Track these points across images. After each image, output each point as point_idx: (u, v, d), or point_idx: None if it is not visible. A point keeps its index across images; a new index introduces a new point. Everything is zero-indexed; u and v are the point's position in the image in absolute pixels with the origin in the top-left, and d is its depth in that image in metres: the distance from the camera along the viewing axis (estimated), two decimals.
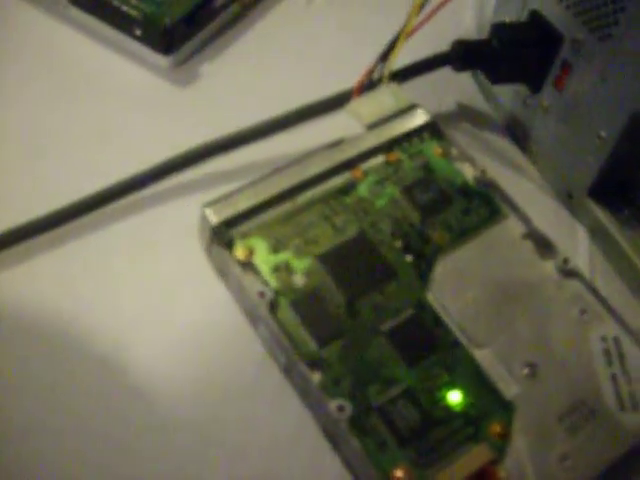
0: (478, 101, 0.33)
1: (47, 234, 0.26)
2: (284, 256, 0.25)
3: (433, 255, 0.25)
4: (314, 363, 0.23)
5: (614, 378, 0.24)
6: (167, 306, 0.26)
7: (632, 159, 0.27)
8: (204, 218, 0.25)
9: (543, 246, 0.26)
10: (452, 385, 0.23)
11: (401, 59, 0.29)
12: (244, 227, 0.25)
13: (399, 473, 0.21)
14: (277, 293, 0.24)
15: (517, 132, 0.32)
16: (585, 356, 0.24)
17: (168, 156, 0.28)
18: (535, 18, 0.29)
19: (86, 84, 0.31)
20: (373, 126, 0.28)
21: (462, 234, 0.26)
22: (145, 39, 0.31)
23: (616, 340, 0.24)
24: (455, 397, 0.23)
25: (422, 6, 0.28)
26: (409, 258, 0.25)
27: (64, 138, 0.30)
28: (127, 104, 0.31)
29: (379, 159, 0.27)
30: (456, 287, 0.25)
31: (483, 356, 0.24)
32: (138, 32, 0.31)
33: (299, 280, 0.24)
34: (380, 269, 0.25)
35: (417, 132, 0.28)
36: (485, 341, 0.24)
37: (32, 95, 0.31)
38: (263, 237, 0.25)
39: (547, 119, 0.29)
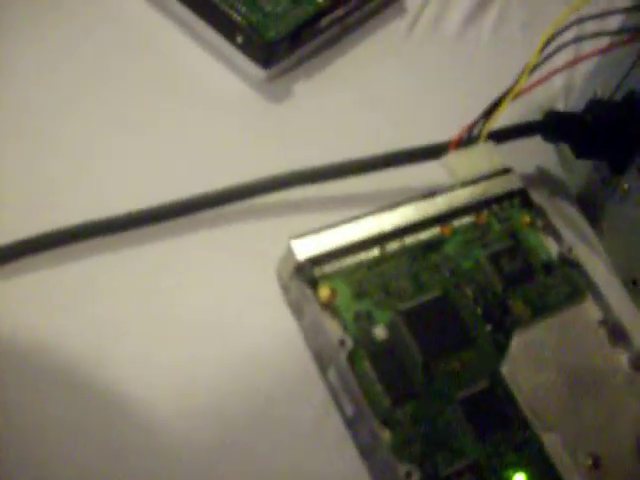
0: (555, 166, 0.33)
1: (114, 236, 0.26)
2: (366, 305, 0.24)
3: (511, 327, 0.25)
4: (386, 421, 0.23)
5: None
6: (231, 333, 0.25)
7: None
8: (290, 251, 0.25)
9: (618, 335, 0.26)
10: (518, 466, 0.23)
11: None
12: (329, 267, 0.25)
13: None
14: (357, 342, 0.24)
15: (590, 207, 0.31)
16: None
17: (251, 178, 0.27)
18: (633, 99, 0.28)
19: (176, 83, 0.31)
20: (465, 184, 0.27)
21: (542, 310, 0.26)
22: (246, 48, 0.30)
23: None
24: (520, 479, 0.23)
25: (534, 68, 0.28)
26: (488, 327, 0.25)
27: (140, 137, 0.29)
28: (215, 111, 0.30)
29: (468, 219, 0.27)
30: (530, 364, 0.25)
31: (550, 440, 0.24)
32: (240, 40, 0.30)
33: (379, 332, 0.24)
34: (459, 334, 0.25)
35: (508, 197, 0.28)
36: (553, 425, 0.24)
37: (120, 84, 0.30)
38: (347, 281, 0.25)
39: (624, 202, 0.29)
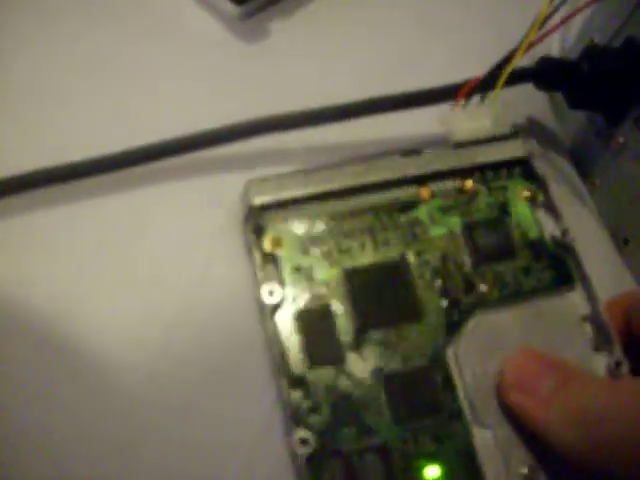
0: (548, 118, 0.29)
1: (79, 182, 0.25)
2: (311, 259, 0.23)
3: (472, 308, 0.22)
4: (298, 382, 0.21)
5: None
6: (190, 284, 0.25)
7: None
8: (245, 194, 0.24)
9: (602, 337, 0.22)
10: (435, 459, 0.21)
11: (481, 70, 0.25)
12: (282, 215, 0.23)
13: None
14: (286, 296, 0.22)
15: (582, 161, 0.28)
16: None
17: (217, 125, 0.25)
18: (632, 46, 0.25)
19: (145, 19, 0.29)
20: (460, 144, 0.24)
21: (515, 294, 0.23)
22: None
23: None
24: (433, 473, 0.20)
25: (545, 20, 0.24)
26: (444, 303, 0.22)
27: (107, 79, 0.28)
28: (186, 49, 0.29)
29: (453, 183, 0.24)
30: (482, 352, 0.22)
31: (482, 439, 0.21)
32: None
33: (316, 290, 0.22)
34: (407, 305, 0.22)
35: (508, 165, 0.24)
36: (491, 423, 0.21)
37: (90, 24, 0.29)
38: (297, 232, 0.23)
39: (618, 156, 0.26)
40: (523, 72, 0.26)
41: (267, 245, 0.23)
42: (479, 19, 0.30)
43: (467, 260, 0.23)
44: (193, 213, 0.26)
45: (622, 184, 0.26)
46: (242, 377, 0.23)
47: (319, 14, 0.30)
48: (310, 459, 0.20)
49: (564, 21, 0.25)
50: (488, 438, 0.21)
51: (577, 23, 0.28)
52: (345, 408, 0.21)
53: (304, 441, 0.20)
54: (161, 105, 0.27)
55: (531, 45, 0.24)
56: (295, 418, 0.21)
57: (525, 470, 0.21)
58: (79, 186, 0.25)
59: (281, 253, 0.23)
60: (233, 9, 0.29)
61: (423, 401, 0.21)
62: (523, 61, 0.25)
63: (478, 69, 0.25)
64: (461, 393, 0.21)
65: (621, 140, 0.26)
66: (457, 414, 0.21)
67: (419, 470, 0.20)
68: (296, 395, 0.21)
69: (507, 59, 0.24)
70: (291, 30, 0.30)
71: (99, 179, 0.25)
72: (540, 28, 0.24)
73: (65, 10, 0.29)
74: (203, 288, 0.25)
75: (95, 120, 0.27)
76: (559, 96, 0.27)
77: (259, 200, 0.23)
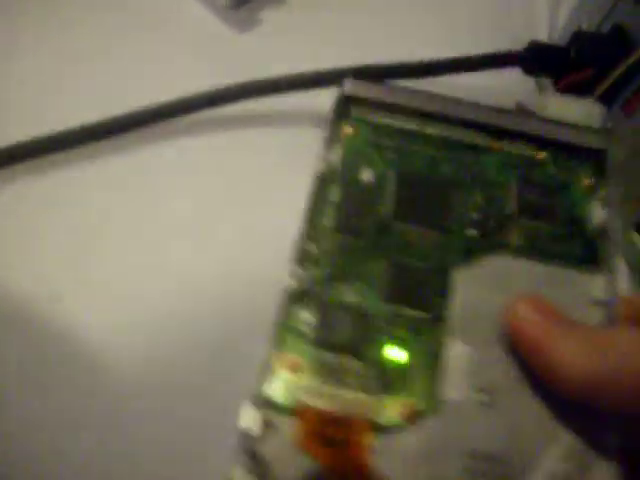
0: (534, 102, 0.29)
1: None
2: (374, 154, 0.25)
3: (494, 246, 0.24)
4: (314, 235, 0.23)
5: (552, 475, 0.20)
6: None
7: None
8: (346, 84, 0.26)
9: (606, 324, 0.23)
10: (405, 345, 0.22)
11: (468, 50, 0.27)
12: (367, 113, 0.26)
13: (288, 358, 0.21)
14: (338, 168, 0.24)
15: None
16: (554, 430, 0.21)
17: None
18: (619, 32, 0.26)
19: (136, 8, 0.31)
20: (550, 120, 0.26)
21: (538, 252, 0.24)
22: None
23: None
24: (395, 354, 0.21)
25: None
26: (472, 232, 0.24)
27: (98, 64, 0.29)
28: (177, 37, 0.30)
29: (527, 149, 0.26)
30: (485, 288, 0.23)
31: (456, 350, 0.22)
32: None
33: (366, 176, 0.24)
34: (440, 218, 0.24)
35: (584, 152, 0.26)
36: (470, 342, 0.22)
37: (81, 12, 0.31)
38: (372, 133, 0.26)
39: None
40: (512, 56, 0.27)
41: (345, 131, 0.25)
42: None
43: (510, 207, 0.24)
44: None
45: (610, 169, 0.26)
46: None
47: (309, 2, 0.32)
48: (293, 293, 0.22)
49: None
50: (461, 353, 0.22)
51: (565, 10, 0.29)
52: (345, 270, 0.22)
53: (296, 277, 0.22)
54: (155, 91, 0.28)
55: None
56: (297, 257, 0.22)
57: (482, 396, 0.21)
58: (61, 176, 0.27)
59: (351, 140, 0.25)
60: None
61: (417, 295, 0.22)
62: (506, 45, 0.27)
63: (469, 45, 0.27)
64: (454, 307, 0.22)
65: (609, 125, 0.26)
66: (442, 320, 0.22)
67: (385, 345, 0.21)
68: (310, 247, 0.23)
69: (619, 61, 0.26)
70: (282, 17, 0.31)
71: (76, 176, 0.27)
72: None
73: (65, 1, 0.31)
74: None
75: (91, 106, 0.28)
76: (547, 81, 0.29)
77: (353, 92, 0.26)
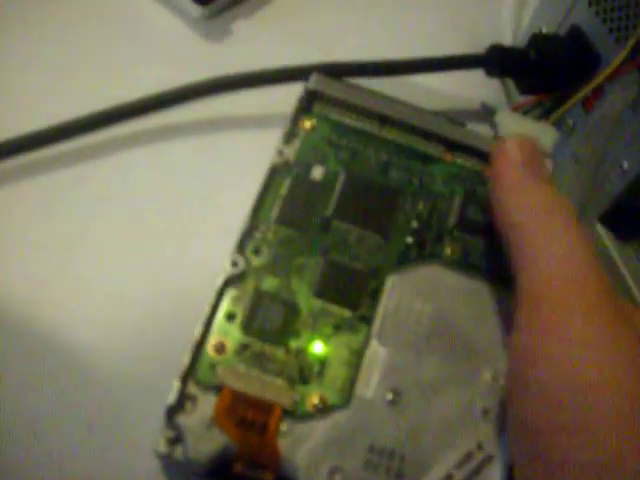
0: (502, 104, 0.32)
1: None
2: (328, 150, 0.26)
3: (428, 256, 0.25)
4: (257, 224, 0.24)
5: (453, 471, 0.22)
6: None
7: None
8: (311, 79, 0.27)
9: None
10: (327, 341, 0.23)
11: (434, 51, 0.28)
12: (327, 110, 0.27)
13: (215, 339, 0.22)
14: (292, 162, 0.25)
15: None
16: (453, 437, 0.22)
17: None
18: (576, 34, 0.27)
19: (110, 20, 0.31)
20: (501, 137, 0.27)
21: (470, 267, 0.25)
22: None
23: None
24: (318, 349, 0.23)
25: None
26: (410, 240, 0.25)
27: (72, 78, 0.29)
28: (151, 49, 0.30)
29: (478, 165, 0.27)
30: (415, 294, 0.24)
31: (374, 350, 0.23)
32: None
33: (317, 172, 0.25)
34: (381, 223, 0.25)
35: None
36: (388, 344, 0.23)
37: (55, 24, 0.30)
38: (330, 129, 0.26)
39: (569, 138, 0.28)
40: (474, 59, 0.28)
41: (305, 125, 0.26)
42: None
43: (450, 221, 0.25)
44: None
45: (573, 164, 0.28)
46: None
47: (282, 12, 0.32)
48: (229, 278, 0.23)
49: None
50: (379, 354, 0.23)
51: (529, 13, 0.31)
52: (283, 260, 0.24)
53: (234, 262, 0.23)
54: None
55: (599, 84, 0.26)
56: (240, 241, 0.23)
57: (390, 396, 0.22)
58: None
59: (309, 135, 0.26)
60: (197, 10, 0.31)
61: (347, 294, 0.23)
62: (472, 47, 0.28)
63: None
64: (380, 309, 0.23)
65: (570, 122, 0.28)
66: (367, 321, 0.23)
67: (309, 340, 0.23)
68: (253, 235, 0.24)
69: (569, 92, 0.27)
70: (255, 28, 0.32)
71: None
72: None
73: (38, 14, 0.31)
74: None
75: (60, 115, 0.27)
76: (511, 83, 0.30)
77: (316, 86, 0.27)
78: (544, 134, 0.27)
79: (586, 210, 0.28)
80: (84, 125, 0.27)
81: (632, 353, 0.18)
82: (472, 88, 0.31)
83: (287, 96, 0.27)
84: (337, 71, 0.28)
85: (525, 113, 0.29)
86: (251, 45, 0.32)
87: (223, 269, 0.23)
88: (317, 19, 0.33)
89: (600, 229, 0.27)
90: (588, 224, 0.28)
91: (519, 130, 0.27)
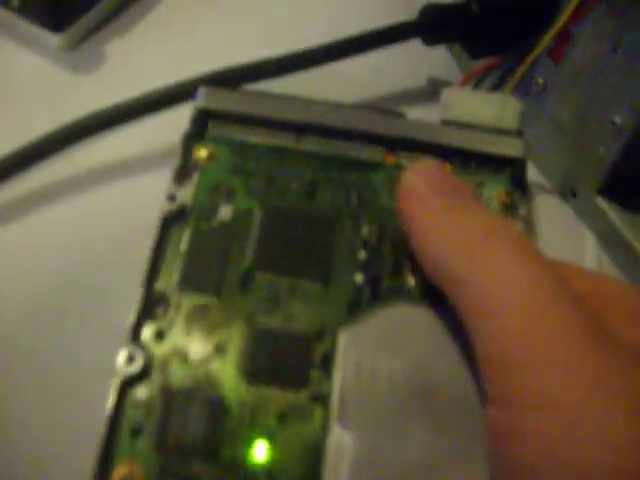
0: (455, 76, 0.26)
1: None
2: (234, 181, 0.20)
3: (388, 294, 0.19)
4: (161, 299, 0.18)
5: None
6: None
7: None
8: (199, 95, 0.21)
9: None
10: (272, 439, 0.17)
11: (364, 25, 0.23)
12: (226, 130, 0.21)
13: (121, 470, 0.16)
14: (189, 206, 0.19)
15: None
16: None
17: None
18: None
19: None
20: (451, 122, 0.21)
21: (442, 297, 0.19)
22: (26, 11, 0.25)
23: None
24: (261, 454, 0.17)
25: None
26: (359, 278, 0.19)
27: None
28: (6, 97, 0.25)
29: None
30: (378, 346, 0.18)
31: (339, 438, 0.17)
32: (15, 1, 0.25)
33: (224, 213, 0.19)
34: (317, 262, 0.19)
35: (497, 162, 0.21)
36: (356, 426, 0.17)
37: None
38: (235, 154, 0.20)
39: (543, 100, 0.23)
40: (406, 28, 0.23)
41: (201, 153, 0.20)
42: None
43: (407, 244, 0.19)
44: None
45: (555, 129, 0.23)
46: None
47: (161, 26, 0.28)
48: (125, 381, 0.17)
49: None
50: (345, 443, 0.17)
51: None
52: (197, 338, 0.18)
53: (131, 358, 0.17)
54: None
55: (564, 28, 0.20)
56: (130, 337, 0.17)
57: None
58: None
59: (209, 167, 0.20)
60: (53, 39, 0.26)
61: (288, 369, 0.17)
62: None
63: None
64: (336, 381, 0.17)
65: (541, 80, 0.22)
66: (321, 400, 0.17)
67: (246, 445, 0.17)
68: (150, 324, 0.18)
69: (530, 45, 0.21)
70: (132, 49, 0.27)
71: None
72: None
73: None
74: None
75: None
76: (460, 49, 0.24)
77: (209, 104, 0.21)
78: (503, 107, 0.21)
79: (580, 184, 0.23)
80: None
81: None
82: (412, 65, 0.26)
83: (177, 122, 0.21)
84: (231, 78, 0.22)
85: (478, 84, 0.23)
86: (131, 69, 0.27)
87: (116, 369, 0.17)
88: (203, 27, 0.28)
89: (602, 203, 0.23)
90: (586, 200, 0.23)
91: (471, 109, 0.21)
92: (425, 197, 0.17)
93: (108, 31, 0.27)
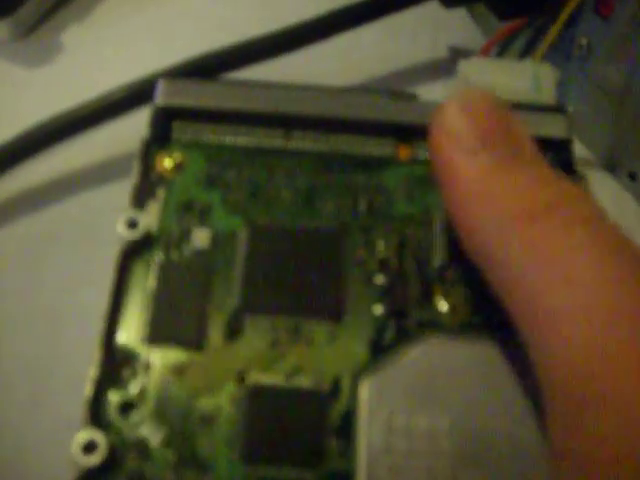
0: (478, 45, 0.21)
1: None
2: (209, 195, 0.16)
3: (419, 328, 0.15)
4: (126, 358, 0.14)
5: None
6: None
7: None
8: (158, 90, 0.17)
9: None
10: None
11: None
12: (196, 130, 0.17)
13: None
14: (155, 234, 0.15)
15: None
16: None
17: None
18: None
19: None
20: None
21: (485, 325, 0.15)
22: None
23: None
24: None
25: None
26: (379, 309, 0.15)
27: None
28: None
29: None
30: (413, 398, 0.14)
31: None
32: None
33: (200, 239, 0.15)
34: (325, 295, 0.15)
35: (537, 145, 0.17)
36: None
37: None
38: (209, 161, 0.16)
39: (589, 65, 0.19)
40: None
41: (167, 164, 0.16)
42: None
43: (435, 260, 0.15)
44: None
45: (606, 105, 0.19)
46: None
47: (114, 14, 0.24)
48: (92, 474, 0.13)
49: None
50: None
51: None
52: (176, 412, 0.13)
53: (91, 445, 0.13)
54: None
55: None
56: (91, 407, 0.13)
57: None
58: None
59: (178, 180, 0.16)
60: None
61: (297, 441, 0.13)
62: None
63: None
64: (361, 451, 0.13)
65: (584, 41, 0.19)
66: (344, 477, 0.13)
67: None
68: (115, 395, 0.14)
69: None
70: (84, 34, 0.23)
71: None
72: None
73: None
74: None
75: None
76: (485, 11, 0.20)
77: (169, 101, 0.16)
78: (536, 77, 0.17)
79: (634, 158, 0.20)
80: None
81: None
82: (425, 35, 0.22)
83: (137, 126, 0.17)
84: (204, 68, 0.18)
85: (502, 52, 0.19)
86: (92, 59, 0.23)
87: (73, 459, 0.13)
88: (174, 7, 0.24)
89: None
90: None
91: (496, 82, 0.17)
92: (469, 146, 0.13)
93: (63, 16, 0.24)
